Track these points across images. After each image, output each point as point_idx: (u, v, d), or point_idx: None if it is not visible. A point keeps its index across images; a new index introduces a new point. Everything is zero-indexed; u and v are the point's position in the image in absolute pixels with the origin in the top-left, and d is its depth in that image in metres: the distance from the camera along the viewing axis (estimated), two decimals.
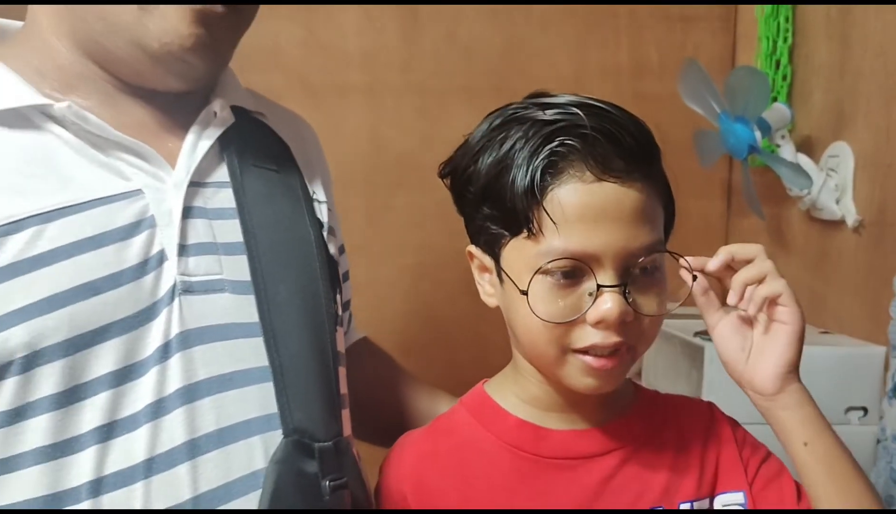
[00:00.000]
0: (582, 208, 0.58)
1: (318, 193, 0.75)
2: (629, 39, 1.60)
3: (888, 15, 1.21)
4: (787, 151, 1.31)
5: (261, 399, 0.61)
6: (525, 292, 0.60)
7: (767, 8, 1.44)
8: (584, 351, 0.61)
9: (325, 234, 0.72)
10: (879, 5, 1.22)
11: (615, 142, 0.60)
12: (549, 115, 0.61)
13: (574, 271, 0.59)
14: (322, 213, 0.74)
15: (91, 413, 0.55)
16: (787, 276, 1.45)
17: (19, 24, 0.67)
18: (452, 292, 1.51)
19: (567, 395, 0.66)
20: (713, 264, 0.65)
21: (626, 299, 0.60)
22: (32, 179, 0.57)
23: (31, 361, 0.54)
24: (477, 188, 0.64)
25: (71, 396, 0.55)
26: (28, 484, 0.54)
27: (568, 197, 0.58)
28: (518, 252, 0.61)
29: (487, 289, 0.68)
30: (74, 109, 0.59)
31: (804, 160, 1.32)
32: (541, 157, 0.58)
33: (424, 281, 1.52)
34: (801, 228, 1.42)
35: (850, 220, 1.27)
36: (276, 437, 0.60)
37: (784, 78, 1.42)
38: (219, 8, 0.61)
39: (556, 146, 0.59)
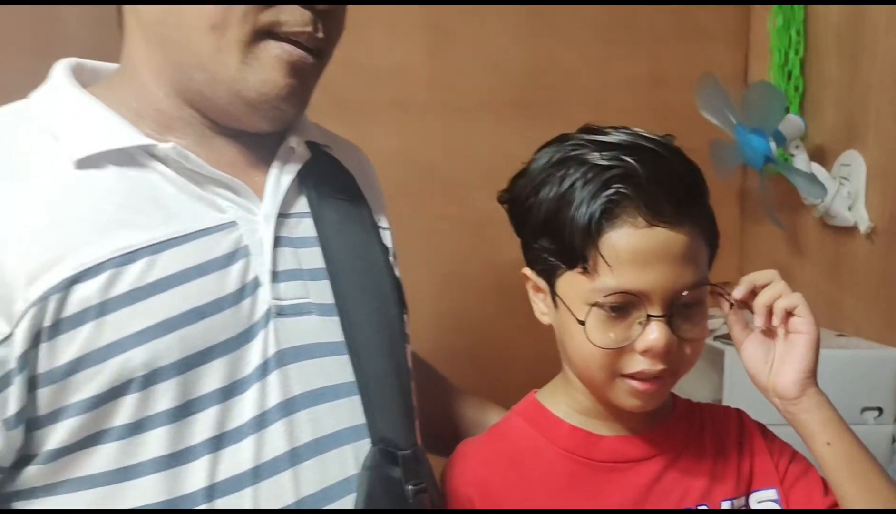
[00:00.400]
0: (633, 252, 0.64)
1: (382, 220, 0.81)
2: (648, 53, 1.66)
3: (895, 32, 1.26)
4: (801, 160, 1.37)
5: (350, 411, 0.66)
6: (583, 323, 0.66)
7: (779, 21, 1.50)
8: (632, 376, 0.67)
9: (391, 258, 0.78)
10: (889, 21, 1.28)
11: (666, 190, 0.65)
12: (605, 159, 0.66)
13: (624, 304, 0.66)
14: (387, 239, 0.80)
15: (202, 426, 0.61)
16: (802, 281, 1.51)
17: (114, 66, 0.73)
18: (479, 300, 1.57)
19: (612, 406, 0.72)
20: (738, 292, 0.71)
21: (670, 328, 0.66)
22: (142, 213, 0.62)
23: (149, 379, 0.59)
24: (537, 220, 0.70)
25: (184, 410, 0.60)
26: (147, 491, 0.59)
27: (621, 241, 0.64)
28: (573, 284, 0.67)
29: (541, 308, 0.74)
30: (178, 149, 0.64)
31: (817, 169, 1.37)
32: (598, 202, 0.64)
33: (451, 290, 1.57)
34: (816, 234, 1.47)
35: (863, 226, 1.32)
36: (365, 446, 0.66)
37: (796, 89, 1.48)
38: (309, 59, 0.66)
39: (612, 194, 0.64)
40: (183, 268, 0.62)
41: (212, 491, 0.60)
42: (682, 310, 0.67)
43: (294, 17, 0.64)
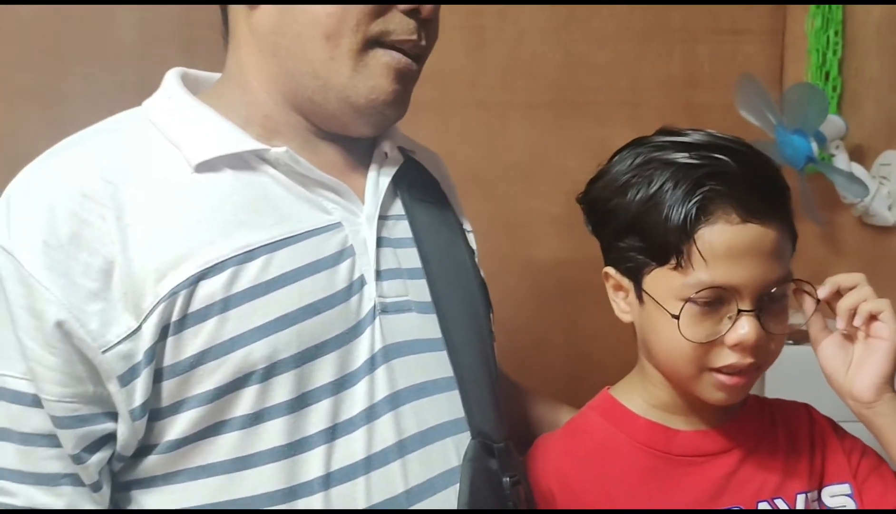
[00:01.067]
0: (728, 247, 0.66)
1: (465, 222, 0.84)
2: (682, 53, 1.67)
3: None
4: (842, 160, 1.38)
5: (450, 405, 0.69)
6: (676, 317, 0.67)
7: (818, 22, 1.50)
8: (719, 370, 0.69)
9: (476, 260, 0.81)
10: None
11: (758, 187, 0.67)
12: (694, 158, 0.68)
13: (716, 299, 0.67)
14: (472, 241, 0.83)
15: (317, 417, 0.63)
16: None
17: (214, 75, 0.76)
18: (517, 299, 1.58)
19: (691, 400, 0.74)
20: (823, 292, 0.73)
21: (760, 323, 0.67)
22: (257, 214, 0.65)
23: (269, 371, 0.61)
24: (624, 220, 0.71)
25: (301, 402, 0.63)
26: (266, 479, 0.61)
27: (716, 236, 0.66)
28: (663, 280, 0.69)
29: (622, 306, 0.75)
30: (290, 153, 0.67)
31: (857, 169, 1.38)
32: (694, 199, 0.66)
33: (490, 288, 1.59)
34: (855, 233, 1.48)
35: None
36: (465, 438, 0.68)
37: (834, 89, 1.48)
38: (413, 66, 0.69)
39: (707, 191, 0.66)
40: (297, 266, 0.64)
41: (327, 480, 0.62)
42: (768, 305, 0.68)
43: (401, 26, 0.67)
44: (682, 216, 0.66)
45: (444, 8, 1.49)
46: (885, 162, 1.38)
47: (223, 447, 0.61)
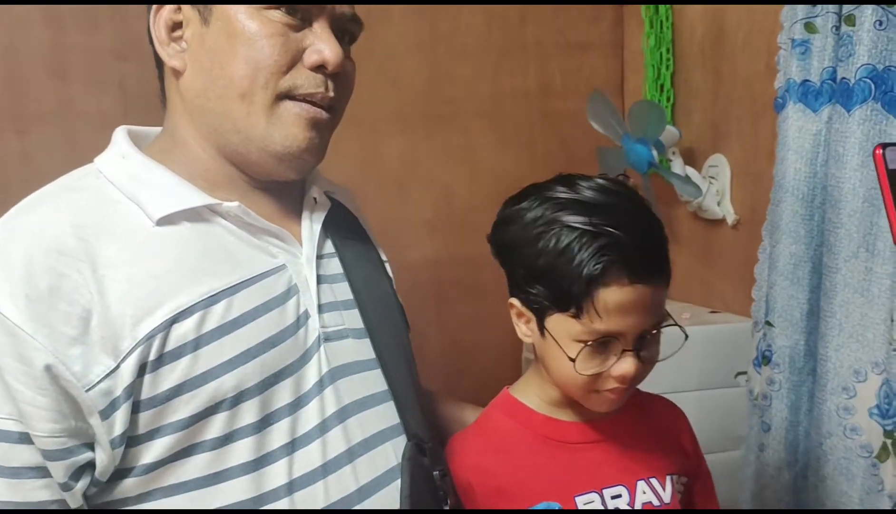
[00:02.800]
0: (619, 305, 0.78)
1: (382, 253, 0.93)
2: (535, 66, 1.82)
3: (751, 49, 1.47)
4: (678, 164, 1.56)
5: (387, 415, 0.78)
6: (573, 360, 0.80)
7: (651, 41, 1.69)
8: (605, 391, 0.83)
9: (394, 287, 0.90)
10: (745, 38, 1.48)
11: (646, 253, 0.79)
12: (596, 227, 0.78)
13: (605, 342, 0.80)
14: (389, 271, 0.92)
15: (278, 434, 0.71)
16: (679, 266, 1.73)
17: (154, 129, 0.81)
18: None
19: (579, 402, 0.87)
20: None
21: (638, 358, 0.81)
22: (215, 261, 0.72)
23: (237, 399, 0.69)
24: (534, 268, 0.81)
25: (264, 422, 0.70)
26: (237, 491, 0.69)
27: (610, 296, 0.78)
28: (563, 324, 0.80)
29: (524, 331, 0.86)
30: (242, 207, 0.74)
31: (690, 171, 1.57)
32: (594, 266, 0.77)
33: None
34: (690, 226, 1.68)
35: (730, 219, 1.54)
36: (401, 441, 0.78)
37: (668, 100, 1.68)
38: (324, 115, 0.76)
39: (605, 260, 0.77)
40: (253, 306, 0.71)
41: (291, 486, 0.70)
42: (645, 341, 0.82)
43: (308, 81, 0.74)
44: (583, 278, 0.77)
45: None
46: (713, 164, 1.57)
47: (196, 466, 0.68)
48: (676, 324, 0.84)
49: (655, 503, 0.86)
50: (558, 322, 0.81)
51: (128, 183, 0.73)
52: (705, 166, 1.59)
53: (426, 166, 1.74)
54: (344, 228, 0.86)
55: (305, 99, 0.75)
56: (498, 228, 0.86)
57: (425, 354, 1.75)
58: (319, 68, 0.75)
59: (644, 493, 0.86)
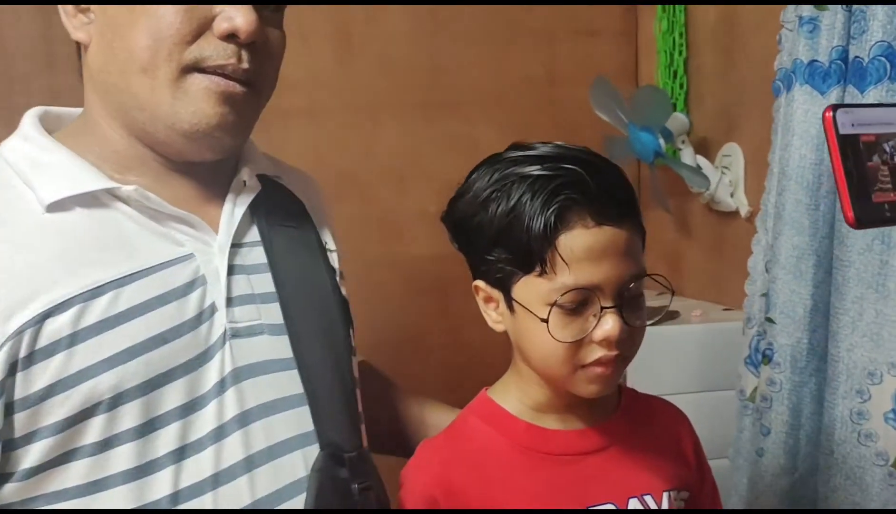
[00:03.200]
0: (587, 250, 0.70)
1: (329, 242, 0.86)
2: (543, 53, 1.75)
3: (765, 31, 1.39)
4: (687, 153, 1.49)
5: (299, 420, 0.72)
6: (545, 320, 0.72)
7: (664, 25, 1.61)
8: (590, 365, 0.73)
9: (338, 278, 0.83)
10: (758, 22, 1.40)
11: (609, 192, 0.72)
12: (549, 170, 0.71)
13: (581, 301, 0.72)
14: (334, 260, 0.85)
15: (165, 440, 0.66)
16: (690, 261, 1.65)
17: (77, 111, 0.76)
18: (392, 295, 1.63)
19: (567, 400, 0.78)
20: None
21: (622, 317, 0.73)
22: (107, 251, 0.67)
23: (116, 401, 0.64)
24: (488, 234, 0.74)
25: (149, 427, 0.65)
26: (116, 501, 0.64)
27: (575, 241, 0.70)
28: (530, 287, 0.72)
29: (494, 317, 0.78)
30: (140, 191, 0.69)
31: (702, 161, 1.50)
32: (551, 208, 0.69)
33: (366, 285, 1.63)
34: (702, 218, 1.60)
35: (744, 211, 1.46)
36: (314, 450, 0.71)
37: (681, 87, 1.60)
38: (238, 88, 0.70)
39: (563, 200, 0.70)
40: (145, 299, 0.66)
41: (176, 497, 0.65)
42: (628, 302, 0.73)
43: (217, 52, 0.68)
44: (541, 226, 0.70)
45: (311, 15, 1.53)
46: (726, 153, 1.50)
47: (75, 473, 0.64)
48: (659, 279, 0.76)
49: None
50: (525, 287, 0.73)
51: (24, 167, 0.68)
52: (718, 156, 1.51)
53: (427, 157, 1.68)
54: (278, 213, 0.80)
55: (216, 71, 0.69)
56: (449, 207, 0.79)
57: (427, 352, 1.72)
58: (231, 38, 0.68)
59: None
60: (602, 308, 0.71)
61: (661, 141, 1.43)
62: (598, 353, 0.72)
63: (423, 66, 1.66)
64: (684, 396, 1.33)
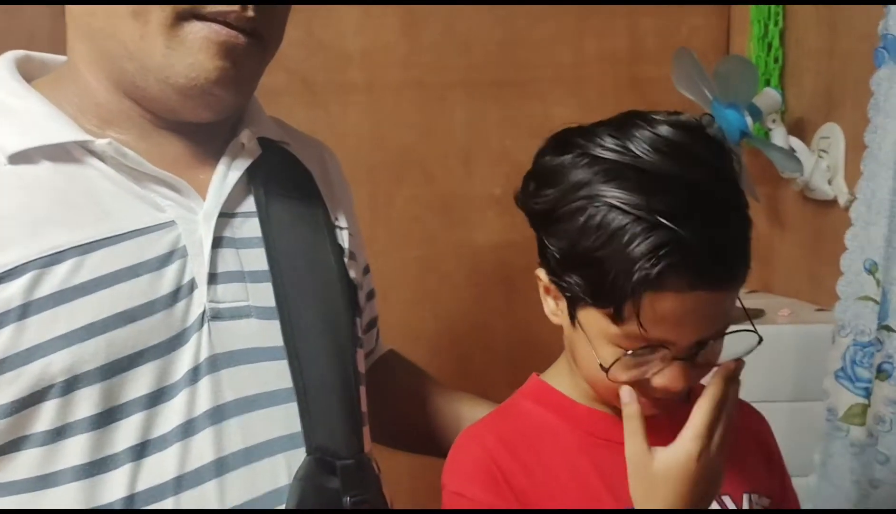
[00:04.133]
0: (674, 315, 0.61)
1: (340, 219, 0.78)
2: (626, 26, 1.63)
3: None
4: (779, 134, 1.34)
5: (285, 419, 0.64)
6: (606, 370, 0.63)
7: None
8: (647, 399, 0.65)
9: (345, 259, 0.75)
10: None
11: (721, 256, 0.61)
12: (654, 213, 0.60)
13: (650, 350, 0.63)
14: (343, 239, 0.76)
15: (125, 433, 0.59)
16: (783, 255, 1.49)
17: (63, 58, 0.70)
18: (456, 283, 1.55)
19: None
20: None
21: (690, 368, 0.63)
22: (74, 210, 0.60)
23: (71, 384, 0.57)
24: (570, 250, 0.64)
25: (107, 417, 0.58)
26: (65, 500, 0.57)
27: (659, 304, 0.61)
28: (598, 322, 0.64)
29: (552, 307, 0.70)
30: (115, 145, 0.62)
31: (796, 143, 1.34)
32: (646, 268, 0.59)
33: (429, 273, 1.56)
34: (796, 208, 1.45)
35: (843, 199, 1.30)
36: (300, 455, 0.63)
37: (776, 60, 1.45)
38: (241, 39, 0.63)
39: (664, 265, 0.59)
40: (114, 270, 0.60)
41: (131, 502, 0.58)
42: (703, 347, 0.64)
43: None
44: (634, 280, 0.60)
45: None
46: (824, 135, 1.34)
47: (24, 464, 0.58)
48: (748, 327, 0.66)
49: None
50: (593, 318, 0.64)
51: None
52: (815, 138, 1.36)
53: (496, 138, 1.59)
54: (280, 182, 0.71)
55: (216, 19, 0.61)
56: (531, 185, 0.69)
57: (491, 347, 1.63)
58: None
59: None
60: (672, 358, 0.63)
61: (749, 119, 1.28)
62: (653, 393, 0.64)
63: (493, 41, 1.56)
64: (765, 405, 1.20)
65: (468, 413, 0.86)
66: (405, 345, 1.54)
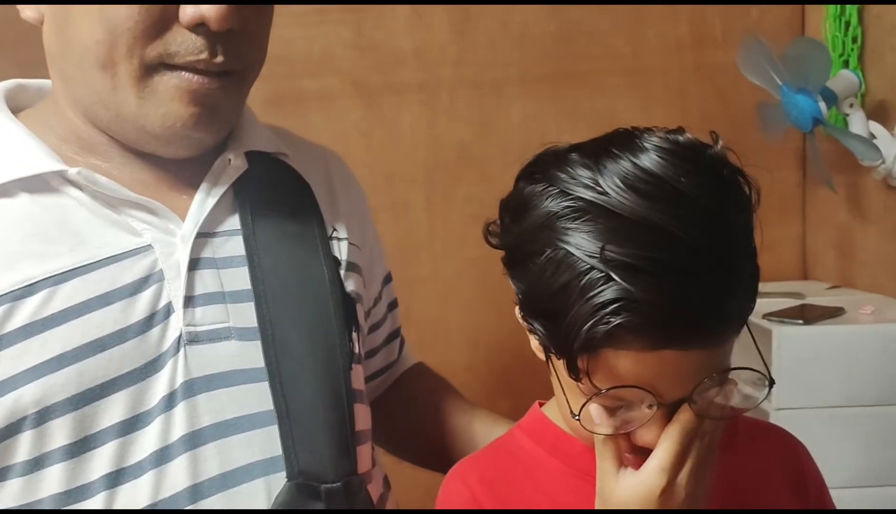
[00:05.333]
0: (634, 374, 0.55)
1: (340, 230, 0.76)
2: (689, 10, 1.55)
3: None
4: (857, 120, 1.25)
5: (265, 443, 0.63)
6: (576, 416, 0.57)
7: None
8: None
9: (342, 271, 0.73)
10: None
11: (682, 316, 0.53)
12: (608, 265, 0.53)
13: (626, 402, 0.57)
14: (341, 250, 0.75)
15: (100, 462, 0.59)
16: (864, 246, 1.40)
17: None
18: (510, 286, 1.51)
19: None
20: None
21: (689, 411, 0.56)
22: (48, 242, 0.60)
23: (43, 415, 0.58)
24: (526, 294, 0.60)
25: (82, 446, 0.59)
26: None
27: (619, 362, 0.55)
28: (565, 373, 0.58)
29: (535, 345, 0.64)
30: (85, 174, 0.62)
31: (876, 128, 1.25)
32: (594, 329, 0.53)
33: (489, 273, 1.51)
34: (879, 197, 1.35)
35: None
36: (280, 479, 0.62)
37: (854, 40, 1.35)
38: (213, 84, 0.62)
39: (612, 325, 0.53)
40: (85, 299, 0.60)
41: None
42: (699, 395, 0.57)
43: (185, 46, 0.60)
44: (581, 340, 0.54)
45: None
46: None
47: (10, 493, 0.58)
48: (758, 369, 0.58)
49: None
50: (561, 366, 0.58)
51: None
52: None
53: (554, 133, 1.50)
54: (268, 197, 0.70)
55: (185, 67, 0.60)
56: (504, 213, 0.64)
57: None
58: (200, 28, 0.59)
59: None
60: (652, 406, 0.56)
61: (822, 105, 1.20)
62: (642, 451, 0.58)
63: (548, 34, 1.51)
64: (844, 410, 1.12)
65: (482, 435, 0.84)
66: (465, 348, 1.52)
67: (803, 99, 1.20)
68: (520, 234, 0.60)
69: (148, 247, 0.63)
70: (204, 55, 0.61)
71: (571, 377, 0.57)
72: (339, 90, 1.45)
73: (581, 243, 0.54)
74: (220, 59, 0.61)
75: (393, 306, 0.90)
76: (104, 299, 0.60)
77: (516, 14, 1.50)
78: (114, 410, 0.59)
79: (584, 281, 0.54)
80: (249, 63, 0.66)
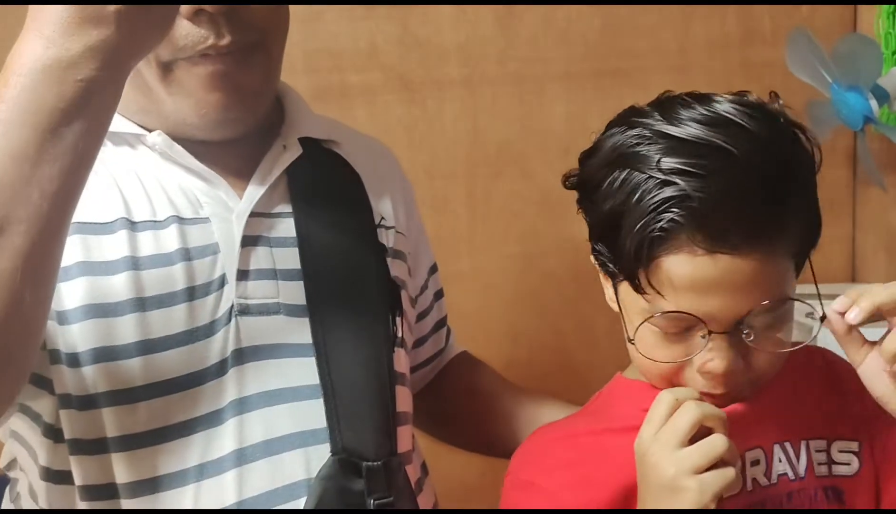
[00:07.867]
0: (690, 281, 0.58)
1: (387, 218, 0.79)
2: (737, 8, 1.54)
3: None
4: None
5: (307, 416, 0.65)
6: (631, 341, 0.62)
7: None
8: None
9: (388, 258, 0.76)
10: None
11: (734, 212, 0.57)
12: (664, 171, 0.58)
13: (685, 326, 0.60)
14: (388, 238, 0.77)
15: (147, 415, 0.62)
16: None
17: None
18: (559, 280, 1.51)
19: None
20: (855, 317, 0.59)
21: (737, 349, 0.60)
22: (126, 190, 0.65)
23: (105, 353, 0.61)
24: (597, 218, 0.65)
25: (129, 395, 0.62)
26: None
27: (675, 268, 0.58)
28: (629, 295, 0.63)
29: (609, 293, 0.69)
30: (164, 138, 0.67)
31: None
32: (648, 229, 0.58)
33: (530, 269, 1.53)
34: None
35: None
36: (321, 451, 0.64)
37: None
38: (229, 62, 0.64)
39: (665, 222, 0.57)
40: (154, 253, 0.64)
41: (154, 484, 0.61)
42: (756, 322, 0.60)
43: (191, 38, 0.63)
44: (636, 244, 0.59)
45: None
46: None
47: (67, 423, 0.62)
48: (808, 311, 0.60)
49: (791, 475, 0.65)
50: (626, 291, 0.63)
51: None
52: None
53: (598, 131, 1.53)
54: (320, 182, 0.73)
55: (198, 56, 0.63)
56: (580, 161, 0.70)
57: (595, 345, 1.57)
58: (200, 15, 0.62)
59: (780, 461, 0.66)
60: (710, 333, 0.59)
61: (874, 103, 1.18)
62: (700, 385, 0.61)
63: (593, 29, 1.50)
64: None
65: (546, 418, 0.85)
66: (505, 344, 1.52)
67: (854, 97, 1.18)
68: (589, 167, 0.66)
69: (207, 219, 0.67)
70: (210, 41, 0.63)
71: (638, 291, 0.60)
72: (383, 85, 1.46)
73: (641, 160, 0.59)
74: (227, 39, 0.64)
75: (439, 295, 0.93)
76: (167, 259, 0.64)
77: (560, 9, 1.50)
78: (169, 365, 0.62)
79: (641, 189, 0.59)
80: (266, 30, 0.68)
